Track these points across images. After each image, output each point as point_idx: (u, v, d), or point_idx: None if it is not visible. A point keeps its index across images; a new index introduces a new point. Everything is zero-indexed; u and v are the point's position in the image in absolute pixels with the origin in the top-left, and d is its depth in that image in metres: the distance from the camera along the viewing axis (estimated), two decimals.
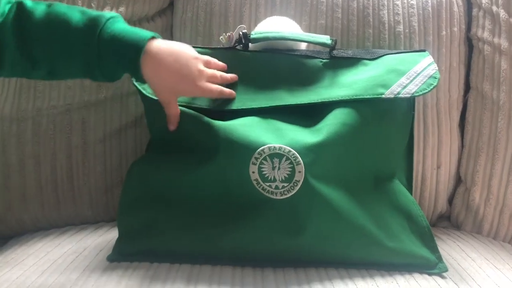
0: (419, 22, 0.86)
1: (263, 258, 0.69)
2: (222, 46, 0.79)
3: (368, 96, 0.70)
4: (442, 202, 0.88)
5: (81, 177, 0.86)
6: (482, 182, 0.84)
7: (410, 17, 0.86)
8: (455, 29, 0.87)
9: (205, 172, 0.67)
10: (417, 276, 0.66)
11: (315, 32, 0.86)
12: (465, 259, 0.73)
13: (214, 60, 0.73)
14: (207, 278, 0.65)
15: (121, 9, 0.87)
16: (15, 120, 0.84)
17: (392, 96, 0.70)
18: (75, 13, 0.64)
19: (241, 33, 0.76)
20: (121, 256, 0.70)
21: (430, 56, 0.77)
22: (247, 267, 0.68)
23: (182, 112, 0.70)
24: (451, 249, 0.77)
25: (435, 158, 0.86)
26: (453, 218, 0.89)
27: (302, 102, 0.72)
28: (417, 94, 0.71)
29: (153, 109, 0.73)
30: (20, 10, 0.63)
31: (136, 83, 0.73)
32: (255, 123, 0.70)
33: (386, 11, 0.86)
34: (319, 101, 0.71)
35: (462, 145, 0.88)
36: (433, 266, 0.69)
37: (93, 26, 0.63)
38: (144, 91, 0.73)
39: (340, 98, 0.71)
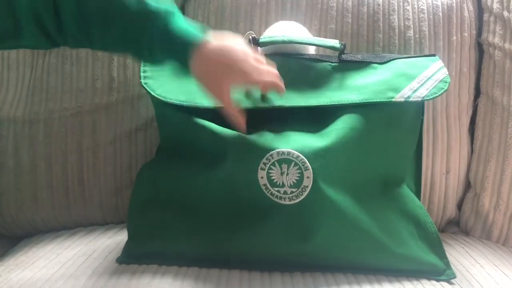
0: (430, 27, 0.86)
1: (270, 263, 0.69)
2: None
3: (378, 100, 0.70)
4: (451, 208, 0.88)
5: (91, 179, 0.86)
6: (492, 188, 0.84)
7: (421, 22, 0.86)
8: (466, 34, 0.87)
9: (214, 177, 0.68)
10: (425, 282, 0.66)
11: (325, 37, 0.86)
12: (474, 265, 0.73)
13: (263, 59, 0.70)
14: (214, 282, 0.65)
15: None
16: (27, 122, 0.85)
17: (402, 99, 0.70)
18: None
19: (250, 37, 0.76)
20: (130, 258, 0.70)
21: (440, 61, 0.77)
22: (255, 271, 0.68)
23: (189, 119, 0.70)
24: (460, 255, 0.77)
25: (445, 163, 0.86)
26: (462, 224, 0.89)
27: (312, 104, 0.72)
28: (427, 98, 0.71)
29: (163, 112, 0.74)
30: None
31: (145, 86, 0.74)
32: (265, 126, 0.70)
33: (397, 16, 0.86)
34: (329, 103, 0.71)
35: (471, 151, 0.88)
36: (441, 272, 0.69)
37: (148, 19, 0.62)
38: (153, 93, 0.73)
39: (350, 101, 0.71)
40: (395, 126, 0.72)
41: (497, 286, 0.67)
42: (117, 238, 0.79)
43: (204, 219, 0.69)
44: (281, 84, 0.67)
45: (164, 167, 0.73)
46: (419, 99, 0.71)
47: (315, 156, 0.65)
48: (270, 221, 0.66)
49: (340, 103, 0.71)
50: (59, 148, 0.85)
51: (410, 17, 0.86)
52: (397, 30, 0.86)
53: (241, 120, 0.67)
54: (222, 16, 0.89)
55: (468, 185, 0.88)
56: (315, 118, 0.72)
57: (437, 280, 0.67)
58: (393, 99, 0.70)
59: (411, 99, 0.70)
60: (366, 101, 0.70)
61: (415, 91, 0.71)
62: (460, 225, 0.89)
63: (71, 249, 0.76)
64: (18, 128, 0.85)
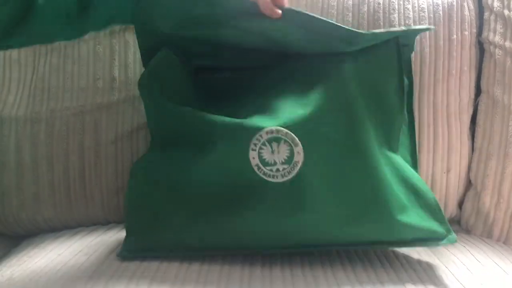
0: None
1: (269, 242, 0.69)
2: None
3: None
4: (452, 206, 0.88)
5: (93, 178, 0.87)
6: (492, 187, 0.84)
7: (421, 21, 0.86)
8: (466, 33, 0.87)
9: (206, 163, 0.68)
10: (427, 282, 0.66)
11: None
12: (475, 263, 0.73)
13: None
14: (215, 278, 0.65)
15: None
16: (29, 121, 0.86)
17: (384, 31, 0.74)
18: None
19: None
20: (130, 252, 0.71)
21: None
22: (255, 266, 0.68)
23: (176, 109, 0.71)
24: (461, 253, 0.76)
25: (445, 162, 0.86)
26: (463, 222, 0.89)
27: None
28: (405, 28, 0.75)
29: (150, 107, 0.74)
30: None
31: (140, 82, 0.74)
32: (249, 102, 0.71)
33: (397, 14, 0.86)
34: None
35: (472, 149, 0.88)
36: (441, 238, 0.68)
37: None
38: (140, 86, 0.74)
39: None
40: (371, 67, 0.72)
41: (498, 284, 0.67)
42: (118, 237, 0.79)
43: (199, 206, 0.69)
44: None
45: (157, 160, 0.74)
46: (401, 29, 0.75)
47: (303, 129, 0.65)
48: (265, 200, 0.66)
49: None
50: (61, 148, 0.86)
51: (411, 15, 0.86)
52: None
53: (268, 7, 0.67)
54: None
55: (469, 184, 0.88)
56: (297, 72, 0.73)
57: (438, 283, 0.66)
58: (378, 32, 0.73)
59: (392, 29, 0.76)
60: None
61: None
62: (461, 223, 0.90)
63: (73, 249, 0.76)
64: (19, 128, 0.86)
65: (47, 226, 0.88)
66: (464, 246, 0.79)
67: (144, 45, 0.76)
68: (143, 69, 0.88)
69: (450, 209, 0.88)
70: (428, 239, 0.68)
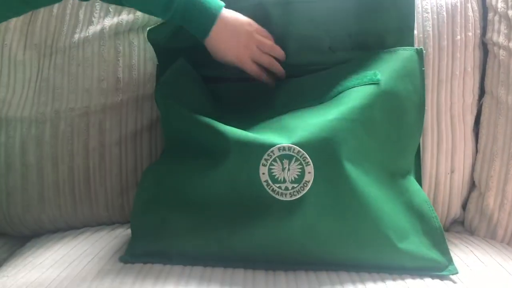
0: (434, 27, 0.86)
1: (273, 260, 0.69)
2: None
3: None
4: (455, 207, 0.88)
5: (97, 179, 0.87)
6: (496, 188, 0.84)
7: (425, 22, 0.86)
8: (470, 33, 0.87)
9: (216, 175, 0.68)
10: (428, 280, 0.66)
11: None
12: (478, 264, 0.73)
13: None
14: (219, 280, 0.65)
15: (138, 14, 0.89)
16: (34, 122, 0.86)
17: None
18: None
19: None
20: (133, 256, 0.71)
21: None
22: (259, 270, 0.69)
23: (191, 118, 0.71)
24: (464, 254, 0.77)
25: (449, 163, 0.86)
26: (467, 223, 0.89)
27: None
28: None
29: (167, 112, 0.74)
30: None
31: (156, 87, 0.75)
32: (263, 116, 0.71)
33: None
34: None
35: (476, 150, 0.88)
36: (443, 268, 0.68)
37: None
38: (156, 94, 0.74)
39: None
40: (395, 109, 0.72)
41: (502, 285, 0.67)
42: (123, 238, 0.79)
43: (206, 217, 0.69)
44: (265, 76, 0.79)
45: (168, 167, 0.74)
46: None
47: (316, 148, 0.65)
48: (271, 218, 0.66)
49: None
50: (66, 149, 0.86)
51: (414, 16, 0.86)
52: None
53: (261, 74, 0.78)
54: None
55: (472, 185, 0.88)
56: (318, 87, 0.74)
57: (441, 279, 0.67)
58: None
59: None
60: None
61: None
62: (464, 224, 0.89)
63: (78, 249, 0.76)
64: (25, 129, 0.86)
65: (52, 227, 0.88)
66: (467, 247, 0.79)
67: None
68: (147, 70, 0.89)
69: (454, 210, 0.88)
70: (428, 269, 0.68)
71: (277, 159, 0.65)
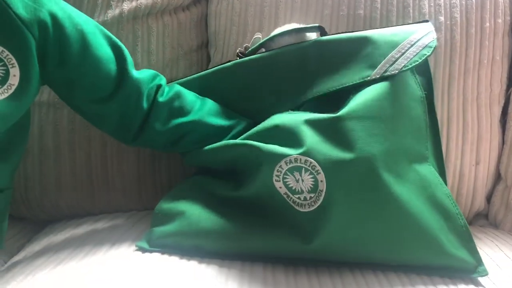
0: (461, 13, 0.83)
1: (294, 259, 0.67)
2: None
3: (351, 83, 0.68)
4: (480, 200, 0.85)
5: (115, 165, 0.86)
6: None
7: (452, 8, 0.83)
8: (500, 20, 0.84)
9: (242, 195, 0.68)
10: (458, 282, 0.64)
11: (354, 23, 0.84)
12: (504, 259, 0.71)
13: None
14: (237, 274, 0.64)
15: None
16: (52, 107, 0.85)
17: (378, 76, 0.67)
18: None
19: (239, 51, 0.79)
20: (151, 245, 0.70)
21: (431, 24, 0.72)
22: (278, 265, 0.67)
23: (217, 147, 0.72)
24: (489, 248, 0.75)
25: (474, 154, 0.84)
26: (491, 217, 0.86)
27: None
28: (405, 69, 0.67)
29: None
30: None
31: None
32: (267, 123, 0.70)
33: (427, 1, 0.83)
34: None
35: (503, 142, 0.85)
36: (472, 269, 0.65)
37: None
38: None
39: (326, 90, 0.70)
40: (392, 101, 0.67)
41: None
42: (140, 226, 0.79)
43: (228, 218, 0.68)
44: None
45: (208, 180, 0.75)
46: (396, 72, 0.67)
47: (325, 155, 0.62)
48: (292, 228, 0.64)
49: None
50: (83, 134, 0.85)
51: (441, 2, 0.83)
52: (427, 16, 0.83)
53: None
54: (247, 1, 0.88)
55: (498, 177, 0.86)
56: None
57: (474, 282, 0.64)
58: (369, 78, 0.67)
59: (388, 73, 0.67)
60: (341, 87, 0.69)
61: (393, 63, 0.68)
62: (489, 217, 0.87)
63: (95, 236, 0.76)
64: (43, 113, 0.85)
65: (69, 212, 0.88)
66: (493, 241, 0.77)
67: None
68: (166, 56, 0.87)
69: (478, 203, 0.85)
70: (458, 269, 0.65)
71: (288, 172, 0.63)
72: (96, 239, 0.74)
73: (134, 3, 0.86)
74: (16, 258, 0.74)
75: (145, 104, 0.71)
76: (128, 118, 0.71)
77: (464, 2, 0.83)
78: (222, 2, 0.90)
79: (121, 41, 0.81)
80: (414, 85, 0.71)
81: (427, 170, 0.68)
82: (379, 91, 0.66)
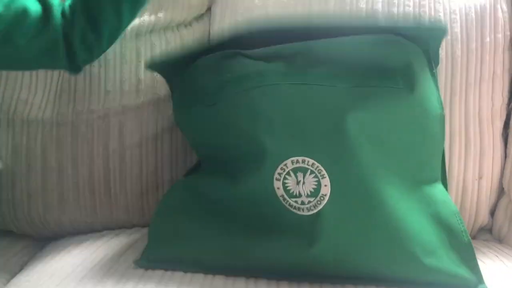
0: (462, 29, 0.84)
1: (292, 272, 0.66)
2: None
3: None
4: (483, 214, 0.85)
5: (117, 181, 0.86)
6: None
7: (452, 24, 0.84)
8: (500, 35, 0.84)
9: (237, 191, 0.67)
10: None
11: None
12: (509, 274, 0.71)
13: None
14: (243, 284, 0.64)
15: (160, 14, 0.88)
16: (55, 124, 0.86)
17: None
18: None
19: None
20: (149, 261, 0.70)
21: None
22: (283, 281, 0.66)
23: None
24: (493, 263, 0.74)
25: (477, 168, 0.83)
26: (495, 231, 0.86)
27: None
28: None
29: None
30: None
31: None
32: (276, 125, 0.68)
33: (427, 17, 0.84)
34: None
35: (505, 156, 0.85)
36: (472, 287, 0.64)
37: None
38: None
39: None
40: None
41: None
42: (144, 243, 0.79)
43: (225, 228, 0.68)
44: None
45: (197, 180, 0.74)
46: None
47: (332, 160, 0.62)
48: (289, 232, 0.64)
49: None
50: (86, 150, 0.86)
51: (442, 18, 0.84)
52: None
53: None
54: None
55: (501, 191, 0.86)
56: None
57: None
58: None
59: None
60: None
61: None
62: (492, 232, 0.87)
63: (98, 254, 0.76)
64: (46, 130, 0.86)
65: (72, 229, 0.88)
66: (497, 256, 0.77)
67: None
68: None
69: (482, 217, 0.85)
70: (456, 286, 0.64)
71: (291, 172, 0.62)
72: (99, 256, 0.74)
73: (137, 20, 0.87)
74: (19, 277, 0.74)
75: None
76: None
77: (464, 18, 0.84)
78: (224, 19, 0.90)
79: (124, 58, 0.82)
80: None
81: (436, 188, 0.68)
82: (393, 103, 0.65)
